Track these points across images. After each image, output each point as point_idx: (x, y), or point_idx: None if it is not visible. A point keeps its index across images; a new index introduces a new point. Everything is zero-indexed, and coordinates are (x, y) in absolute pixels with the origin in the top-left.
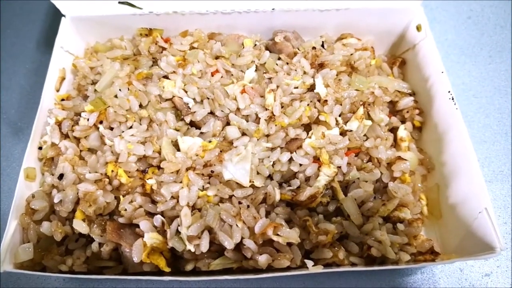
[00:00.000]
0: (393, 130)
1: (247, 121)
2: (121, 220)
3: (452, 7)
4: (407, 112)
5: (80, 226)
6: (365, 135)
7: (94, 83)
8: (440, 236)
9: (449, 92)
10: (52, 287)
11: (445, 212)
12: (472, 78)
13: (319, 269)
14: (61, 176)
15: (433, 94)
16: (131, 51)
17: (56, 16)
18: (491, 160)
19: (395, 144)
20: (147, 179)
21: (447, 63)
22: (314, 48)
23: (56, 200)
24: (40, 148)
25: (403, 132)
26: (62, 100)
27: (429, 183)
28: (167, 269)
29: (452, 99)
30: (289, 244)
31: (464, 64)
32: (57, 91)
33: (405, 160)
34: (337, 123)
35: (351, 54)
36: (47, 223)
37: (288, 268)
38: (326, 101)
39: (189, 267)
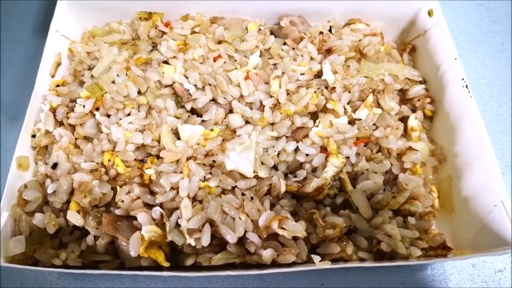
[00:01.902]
0: (403, 119)
1: (251, 108)
2: (117, 212)
3: None
4: (418, 100)
5: (74, 218)
6: (374, 124)
7: (91, 68)
8: (452, 230)
9: (462, 79)
10: (45, 282)
11: (458, 206)
12: (485, 67)
13: (327, 264)
14: (55, 165)
15: (445, 82)
16: (129, 36)
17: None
18: (504, 151)
19: (405, 134)
20: (146, 169)
21: (459, 51)
22: (321, 33)
23: (49, 191)
24: (33, 136)
25: (414, 121)
26: (57, 86)
27: (440, 175)
28: (166, 264)
29: (466, 87)
30: (295, 238)
31: (476, 52)
32: (52, 76)
33: (416, 150)
34: (345, 111)
35: (360, 40)
36: (40, 215)
37: (293, 264)
38: (334, 88)
39: (189, 261)
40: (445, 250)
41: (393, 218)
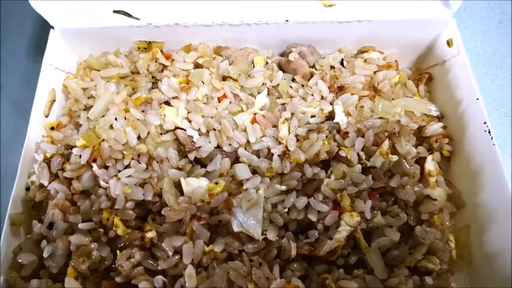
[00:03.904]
0: (420, 159)
1: (259, 156)
2: (118, 279)
3: (480, 8)
4: (436, 141)
5: (72, 285)
6: (389, 170)
7: (87, 108)
8: (470, 283)
9: (485, 123)
10: None
11: (478, 260)
12: (504, 93)
13: None
14: (51, 225)
15: (465, 121)
16: (128, 69)
17: (45, 28)
18: None
19: (422, 177)
20: (147, 231)
21: (476, 76)
22: (332, 67)
23: (45, 254)
24: (27, 189)
25: (431, 164)
26: (52, 128)
27: (458, 221)
28: None
29: (489, 132)
30: None
31: (495, 77)
32: (46, 116)
33: (434, 200)
34: (359, 159)
35: (374, 73)
36: (36, 281)
37: None
38: (347, 133)
39: None
40: None
41: (409, 277)
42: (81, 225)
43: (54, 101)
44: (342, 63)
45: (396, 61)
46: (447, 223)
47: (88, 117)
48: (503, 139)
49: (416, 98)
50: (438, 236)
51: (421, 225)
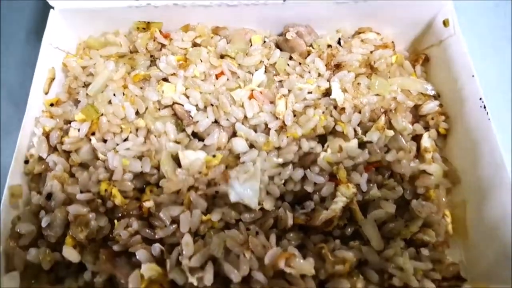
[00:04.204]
0: (416, 137)
1: (256, 131)
2: (115, 247)
3: None
4: (432, 119)
5: (70, 254)
6: (386, 145)
7: (86, 85)
8: (467, 258)
9: (480, 99)
10: None
11: (472, 233)
12: (500, 73)
13: None
14: (49, 196)
15: (461, 99)
16: (127, 48)
17: (45, 9)
18: None
19: (418, 153)
20: (144, 201)
21: (472, 56)
22: (329, 46)
23: (44, 224)
24: (26, 162)
25: (427, 141)
26: (51, 105)
27: (454, 197)
28: None
29: (484, 107)
30: (302, 275)
31: (493, 57)
32: (46, 93)
33: (430, 174)
34: (355, 134)
35: (371, 52)
36: (34, 250)
37: None
38: (343, 108)
39: None
40: (459, 281)
41: (405, 249)
42: (79, 196)
43: (53, 79)
44: (339, 43)
45: (392, 42)
46: (443, 199)
47: (87, 94)
48: (500, 118)
49: (413, 78)
50: (434, 210)
51: (417, 199)
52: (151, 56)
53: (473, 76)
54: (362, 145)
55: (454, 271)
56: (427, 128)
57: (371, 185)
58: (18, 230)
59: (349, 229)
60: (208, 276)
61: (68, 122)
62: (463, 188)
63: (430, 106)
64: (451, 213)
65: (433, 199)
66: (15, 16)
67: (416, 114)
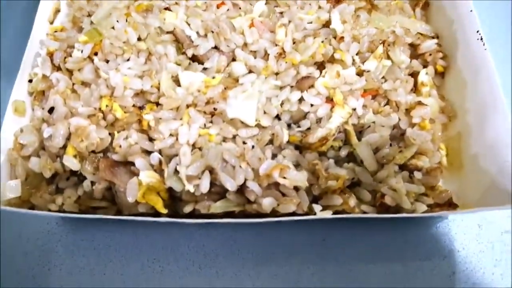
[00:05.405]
0: (414, 74)
1: (255, 57)
2: (115, 157)
3: None
4: (430, 55)
5: (71, 162)
6: (383, 77)
7: (90, 15)
8: (460, 188)
9: (477, 32)
10: (43, 230)
11: (467, 163)
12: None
13: (327, 214)
14: (51, 110)
15: (459, 36)
16: None
17: None
18: None
19: (415, 89)
20: (144, 114)
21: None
22: None
23: (45, 135)
24: (30, 81)
25: (425, 76)
26: (55, 32)
27: (450, 132)
28: (164, 211)
29: (481, 39)
30: (296, 189)
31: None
32: (51, 23)
33: (426, 105)
34: (353, 62)
35: None
36: (35, 159)
37: (294, 214)
38: (342, 38)
39: (188, 209)
40: (451, 207)
41: (399, 172)
42: (81, 110)
43: (58, 10)
44: None
45: None
46: (439, 133)
47: (91, 22)
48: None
49: (412, 19)
50: (428, 138)
51: (412, 128)
52: None
53: (471, 11)
54: (359, 74)
55: (446, 197)
56: (425, 66)
57: (367, 110)
58: (21, 141)
59: (343, 152)
60: (205, 184)
61: (72, 46)
62: (458, 122)
63: (428, 44)
64: (447, 146)
65: (428, 129)
66: None
67: (415, 54)
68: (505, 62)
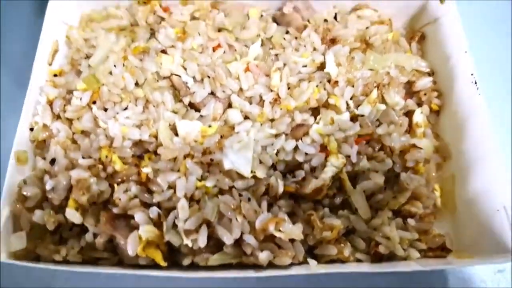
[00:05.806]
0: (409, 113)
1: (251, 103)
2: (115, 210)
3: None
4: (425, 94)
5: (73, 215)
6: (377, 119)
7: (88, 57)
8: (453, 231)
9: (472, 75)
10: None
11: (461, 206)
12: (498, 54)
13: (323, 269)
14: (53, 161)
15: (454, 75)
16: (127, 21)
17: None
18: None
19: (410, 129)
20: (143, 167)
21: (469, 36)
22: (326, 20)
23: (48, 187)
24: (31, 129)
25: (419, 116)
26: (55, 76)
27: (444, 172)
28: (163, 263)
29: (475, 83)
30: (292, 240)
31: (488, 39)
32: (50, 65)
33: (420, 148)
34: (348, 107)
35: (367, 28)
36: (39, 212)
37: (290, 265)
38: (336, 82)
39: (186, 262)
40: (444, 252)
41: (393, 219)
42: (81, 161)
43: (57, 51)
44: (335, 18)
45: (389, 19)
46: (433, 174)
47: (89, 65)
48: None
49: (407, 54)
50: (422, 183)
51: (407, 172)
52: (151, 29)
53: (465, 52)
54: (354, 118)
55: (439, 241)
56: (420, 104)
57: (361, 157)
58: (25, 193)
59: (338, 199)
60: (202, 238)
61: (71, 92)
62: (453, 163)
63: (424, 82)
64: (441, 187)
65: (422, 173)
66: None
67: (410, 91)
68: (505, 62)
